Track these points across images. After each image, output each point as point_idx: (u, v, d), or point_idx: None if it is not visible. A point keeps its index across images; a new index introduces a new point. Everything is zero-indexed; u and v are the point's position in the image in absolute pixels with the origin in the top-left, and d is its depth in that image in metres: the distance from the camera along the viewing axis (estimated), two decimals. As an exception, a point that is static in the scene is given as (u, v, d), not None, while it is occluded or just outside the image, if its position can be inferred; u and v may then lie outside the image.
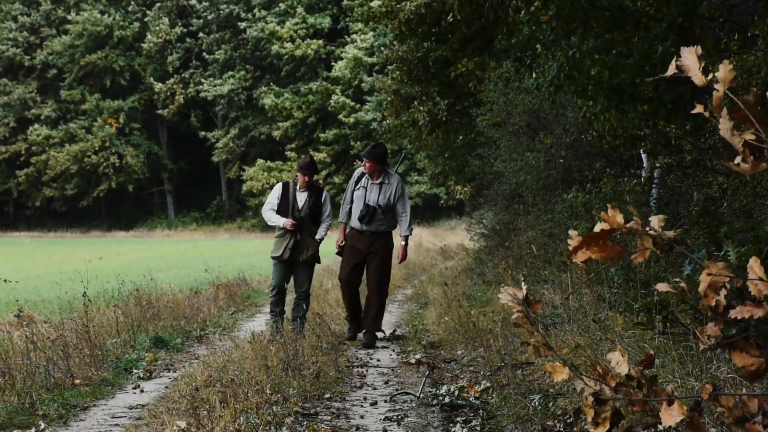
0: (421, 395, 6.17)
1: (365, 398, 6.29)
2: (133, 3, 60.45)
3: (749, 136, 1.94)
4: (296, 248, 9.16)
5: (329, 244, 10.97)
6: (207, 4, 59.72)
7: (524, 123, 12.45)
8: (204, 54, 59.77)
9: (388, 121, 20.17)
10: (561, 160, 11.14)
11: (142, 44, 59.48)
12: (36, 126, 58.55)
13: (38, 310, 10.65)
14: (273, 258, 9.29)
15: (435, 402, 5.97)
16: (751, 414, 2.04)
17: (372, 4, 18.22)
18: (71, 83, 59.55)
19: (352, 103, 52.15)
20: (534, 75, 8.98)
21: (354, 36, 53.54)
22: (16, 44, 59.95)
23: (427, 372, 6.92)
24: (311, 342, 7.82)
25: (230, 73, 57.86)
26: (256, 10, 57.21)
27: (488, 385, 6.23)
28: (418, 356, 7.78)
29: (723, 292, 2.06)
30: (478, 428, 5.28)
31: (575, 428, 4.66)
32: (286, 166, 51.55)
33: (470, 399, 6.03)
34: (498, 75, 13.45)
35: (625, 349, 5.53)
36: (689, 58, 2.01)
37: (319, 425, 5.38)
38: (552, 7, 7.64)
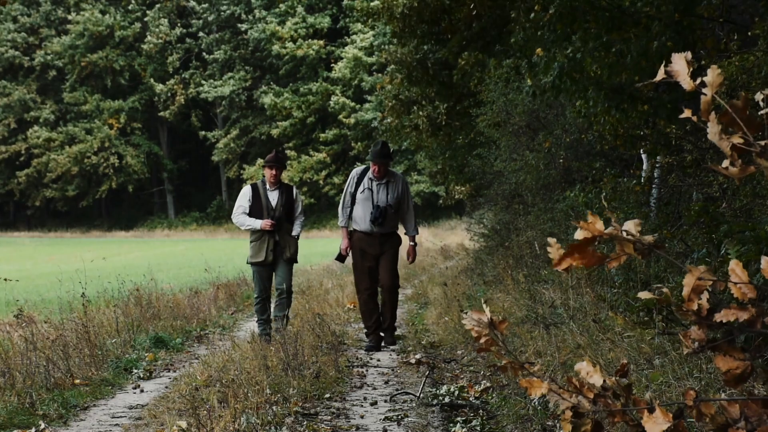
0: (421, 395, 6.17)
1: (365, 398, 6.29)
2: (133, 3, 60.43)
3: (737, 140, 1.94)
4: (277, 248, 8.88)
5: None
6: (207, 4, 59.74)
7: (524, 123, 12.45)
8: (204, 54, 59.79)
9: (388, 120, 20.17)
10: (561, 160, 11.14)
11: (143, 44, 59.49)
12: (36, 128, 58.54)
13: (38, 310, 10.65)
14: (254, 264, 8.95)
15: (435, 402, 5.97)
16: (733, 420, 2.03)
17: (372, 4, 18.19)
18: (73, 84, 59.55)
19: (352, 104, 52.17)
20: (530, 81, 8.99)
21: (354, 36, 53.56)
22: (15, 45, 59.93)
23: (427, 372, 6.92)
24: (311, 342, 7.81)
25: (230, 74, 57.88)
26: (256, 11, 57.23)
27: (488, 385, 6.23)
28: (418, 356, 7.78)
29: (705, 295, 2.05)
30: (478, 428, 5.28)
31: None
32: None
33: (470, 399, 6.02)
34: (498, 75, 13.45)
35: (625, 349, 5.54)
36: (678, 63, 2.01)
37: (319, 425, 5.38)
38: (552, 7, 7.64)
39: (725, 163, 1.97)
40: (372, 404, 6.07)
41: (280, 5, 56.52)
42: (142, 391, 6.85)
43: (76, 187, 58.49)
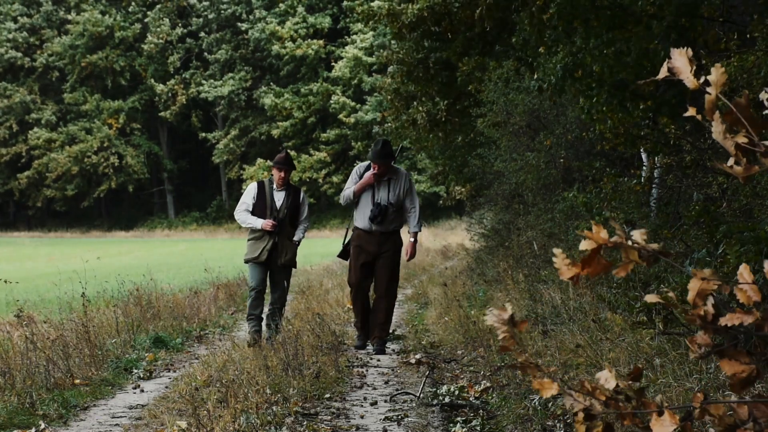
0: (421, 395, 6.17)
1: (365, 398, 6.29)
2: (133, 3, 60.42)
3: (741, 139, 1.94)
4: (274, 250, 8.63)
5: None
6: (207, 3, 59.74)
7: (524, 123, 12.45)
8: (205, 53, 59.79)
9: (389, 123, 20.19)
10: (561, 160, 11.14)
11: (143, 45, 59.49)
12: (36, 129, 58.55)
13: (38, 310, 10.65)
14: (248, 261, 8.75)
15: (435, 402, 5.97)
16: (741, 421, 2.03)
17: (373, 4, 18.20)
18: (73, 85, 59.57)
19: (352, 104, 52.20)
20: (536, 76, 8.99)
21: (354, 36, 53.59)
22: (16, 45, 59.93)
23: (427, 372, 6.92)
24: (311, 342, 7.81)
25: (230, 74, 57.89)
26: (256, 11, 57.24)
27: (488, 385, 6.23)
28: (418, 356, 7.78)
29: (710, 300, 2.05)
30: (478, 428, 5.28)
31: (575, 429, 4.66)
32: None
33: (470, 399, 6.02)
34: (498, 75, 13.45)
35: (625, 349, 5.53)
36: (680, 60, 2.00)
37: (319, 425, 5.38)
38: (553, 6, 7.65)
39: (730, 161, 1.96)
40: (372, 404, 6.07)
41: (280, 5, 56.53)
42: (142, 391, 6.85)
43: (75, 187, 58.50)
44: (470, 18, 14.99)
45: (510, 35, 12.53)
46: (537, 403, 5.30)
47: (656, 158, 8.52)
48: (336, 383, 6.73)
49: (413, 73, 17.43)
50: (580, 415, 2.10)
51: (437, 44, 16.85)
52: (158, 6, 60.39)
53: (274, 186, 8.78)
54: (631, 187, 8.17)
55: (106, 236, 54.51)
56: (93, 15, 59.08)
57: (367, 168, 8.70)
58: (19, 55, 59.46)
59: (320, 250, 25.46)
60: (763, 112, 1.97)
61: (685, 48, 2.03)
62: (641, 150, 9.19)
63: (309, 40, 55.46)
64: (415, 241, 8.86)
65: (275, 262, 8.68)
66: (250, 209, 8.74)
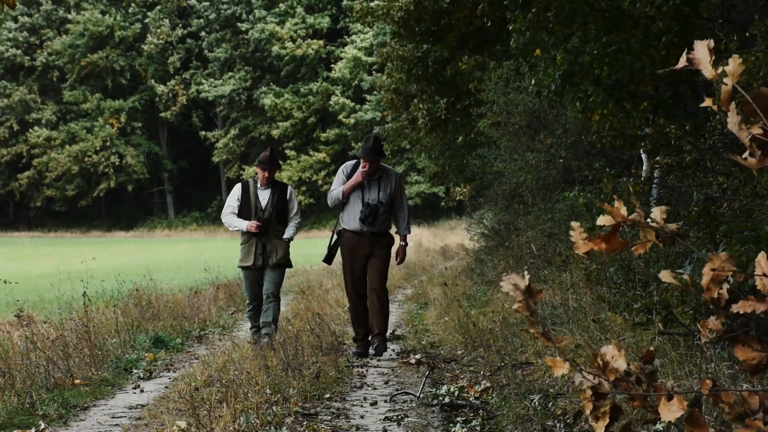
0: (421, 395, 6.17)
1: (365, 398, 6.29)
2: (133, 4, 60.44)
3: (757, 131, 1.94)
4: (265, 252, 8.45)
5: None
6: (207, 4, 59.75)
7: (524, 123, 12.46)
8: (205, 53, 59.81)
9: (389, 124, 20.19)
10: (561, 160, 11.14)
11: (143, 45, 59.51)
12: (36, 128, 58.57)
13: (38, 310, 10.65)
14: (243, 267, 8.60)
15: (435, 402, 5.97)
16: (751, 410, 2.04)
17: (372, 4, 18.19)
18: (73, 84, 59.58)
19: (352, 104, 52.21)
20: (533, 81, 8.98)
21: (354, 36, 53.60)
22: (16, 45, 59.95)
23: (427, 372, 6.92)
24: (311, 342, 7.81)
25: (230, 73, 57.91)
26: (256, 11, 57.26)
27: (488, 385, 6.23)
28: (418, 356, 7.78)
29: (725, 285, 2.06)
30: (478, 428, 5.28)
31: (575, 429, 4.66)
32: (285, 165, 51.54)
33: (470, 399, 6.02)
34: (498, 75, 13.46)
35: (624, 349, 5.54)
36: (701, 51, 2.02)
37: (319, 425, 5.38)
38: (551, 8, 7.64)
39: (746, 153, 1.97)
40: (372, 404, 6.07)
41: (280, 5, 56.55)
42: (142, 391, 6.84)
43: (75, 187, 58.51)
44: (468, 16, 15.00)
45: (509, 35, 12.53)
46: (537, 403, 5.30)
47: (656, 158, 8.53)
48: (336, 383, 6.73)
49: (412, 71, 17.43)
50: (588, 392, 2.10)
51: (431, 39, 16.83)
52: (158, 6, 60.40)
53: (259, 185, 8.57)
54: (632, 187, 8.18)
55: (105, 236, 54.52)
56: (93, 15, 59.11)
57: (354, 167, 8.35)
58: (19, 52, 59.47)
59: (320, 250, 25.41)
60: None
61: (686, 49, 2.05)
62: (641, 151, 9.19)
63: (309, 40, 55.48)
64: (406, 244, 8.59)
65: (268, 264, 8.51)
66: (236, 211, 8.52)
